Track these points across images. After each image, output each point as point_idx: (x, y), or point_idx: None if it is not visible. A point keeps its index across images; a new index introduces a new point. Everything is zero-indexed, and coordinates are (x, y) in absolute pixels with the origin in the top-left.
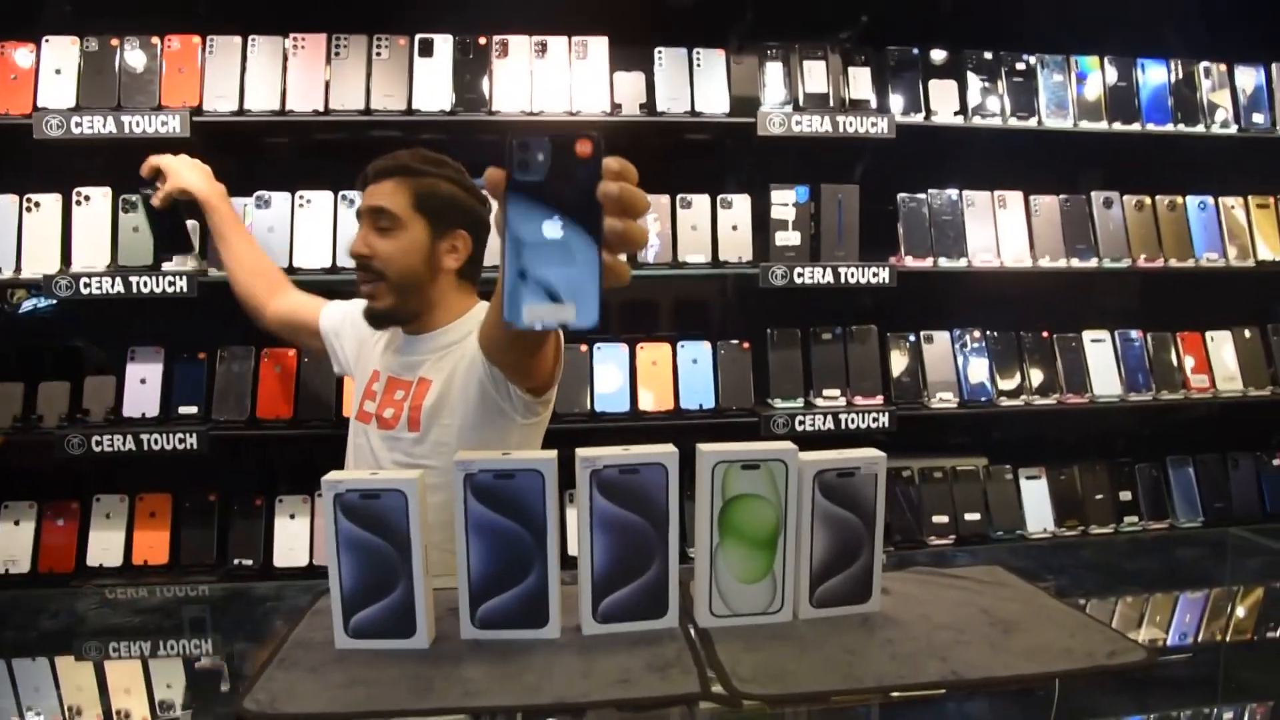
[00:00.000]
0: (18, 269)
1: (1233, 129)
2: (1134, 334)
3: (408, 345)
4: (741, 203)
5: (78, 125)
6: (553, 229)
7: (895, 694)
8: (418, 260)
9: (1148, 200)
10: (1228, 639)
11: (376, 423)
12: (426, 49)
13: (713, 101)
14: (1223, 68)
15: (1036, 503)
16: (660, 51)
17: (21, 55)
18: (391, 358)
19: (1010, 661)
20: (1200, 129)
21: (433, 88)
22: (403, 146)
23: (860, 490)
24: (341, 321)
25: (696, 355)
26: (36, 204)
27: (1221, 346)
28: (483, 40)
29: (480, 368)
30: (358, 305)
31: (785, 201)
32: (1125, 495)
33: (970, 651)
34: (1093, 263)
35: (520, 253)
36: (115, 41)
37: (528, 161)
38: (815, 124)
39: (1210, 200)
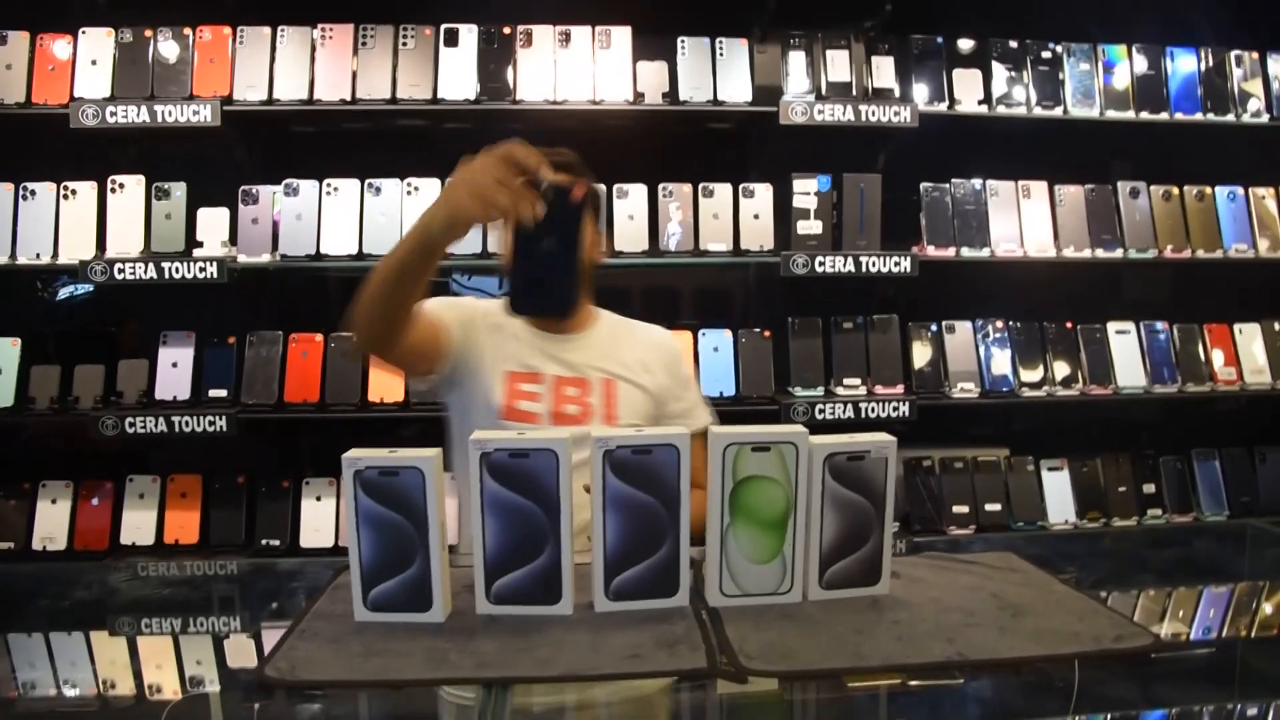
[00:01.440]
0: (55, 254)
1: (1265, 118)
2: (1160, 325)
3: (561, 344)
4: (763, 191)
5: (112, 115)
6: (549, 243)
7: (902, 673)
8: (590, 252)
9: (1175, 190)
10: (1237, 629)
11: (551, 419)
12: (452, 39)
13: (735, 91)
14: (1255, 56)
15: (1058, 494)
16: (683, 41)
17: (59, 47)
18: (540, 358)
19: (1017, 644)
20: (1231, 118)
21: (458, 77)
22: (429, 135)
23: (870, 473)
24: (470, 314)
25: (718, 343)
26: (73, 191)
27: (1250, 339)
28: (507, 30)
29: (660, 387)
30: (474, 306)
31: (807, 190)
32: (1149, 488)
33: (978, 634)
34: (1118, 253)
35: (525, 261)
36: (149, 33)
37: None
38: (838, 113)
39: (1240, 191)
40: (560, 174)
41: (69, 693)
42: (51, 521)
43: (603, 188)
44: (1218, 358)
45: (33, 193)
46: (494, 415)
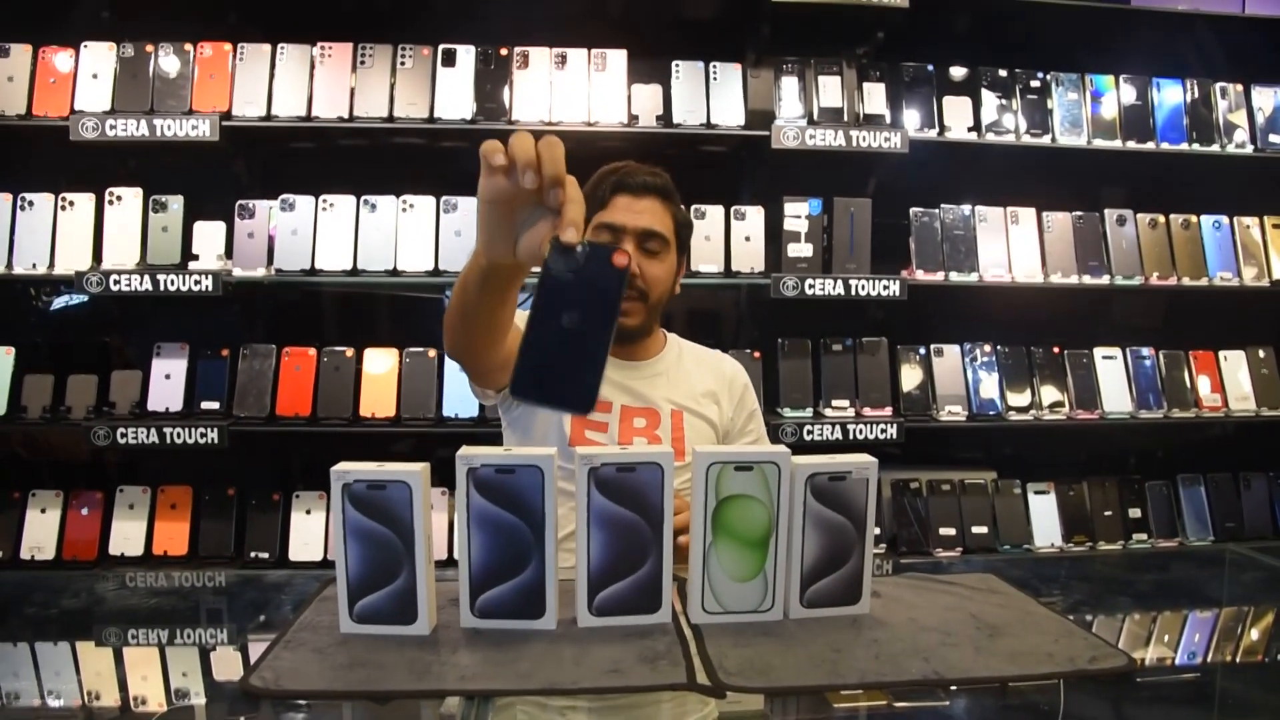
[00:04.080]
0: (51, 265)
1: (1249, 149)
2: (1146, 352)
3: (630, 372)
4: (755, 214)
5: (112, 128)
6: (571, 321)
7: (877, 690)
8: (671, 284)
9: (1161, 219)
10: (1213, 652)
11: None
12: (449, 59)
13: (728, 114)
14: (1239, 88)
15: (1045, 517)
16: (678, 65)
17: (61, 59)
18: (609, 387)
19: (992, 664)
20: (1216, 149)
21: (454, 97)
22: (425, 154)
23: (852, 494)
24: None
25: None
26: (71, 203)
27: (1235, 366)
28: (504, 51)
29: (725, 419)
30: None
31: (798, 214)
32: (1135, 512)
33: (954, 653)
34: (1105, 280)
35: (540, 337)
36: (150, 48)
37: (568, 257)
38: (829, 138)
39: (1225, 220)
40: (650, 195)
41: (53, 703)
42: (40, 531)
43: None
44: (1203, 384)
45: (31, 203)
46: (562, 442)
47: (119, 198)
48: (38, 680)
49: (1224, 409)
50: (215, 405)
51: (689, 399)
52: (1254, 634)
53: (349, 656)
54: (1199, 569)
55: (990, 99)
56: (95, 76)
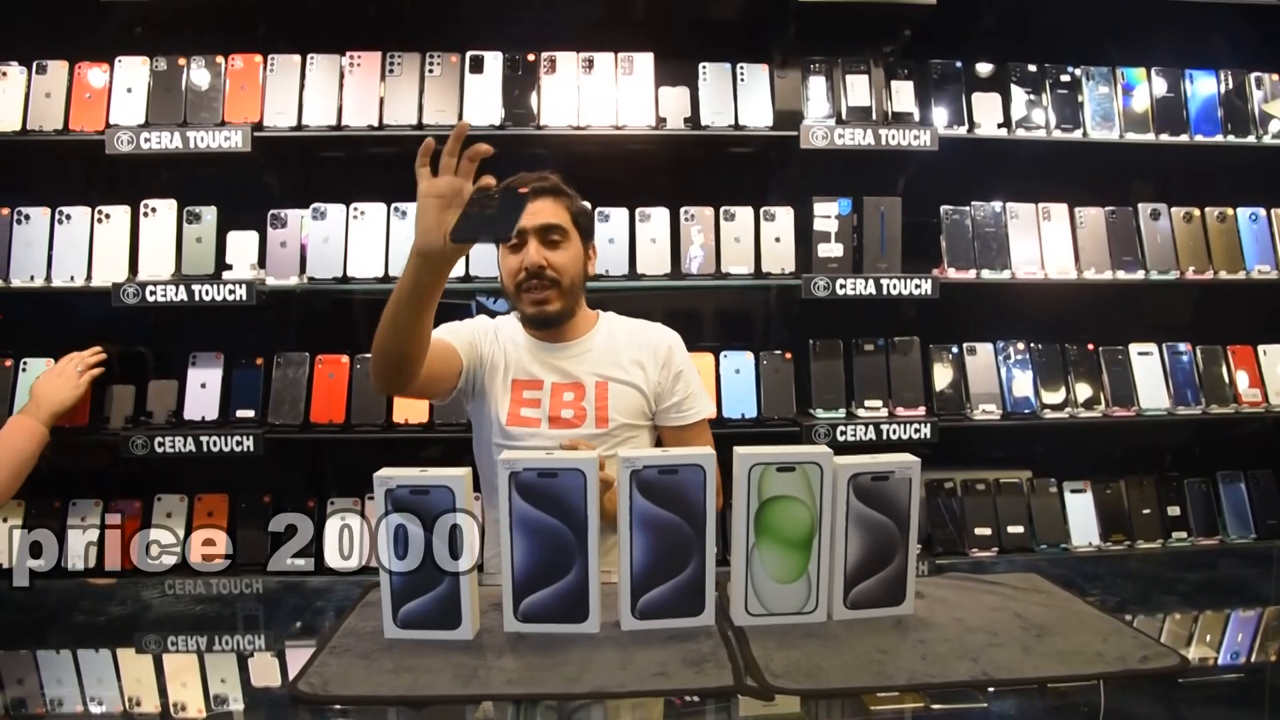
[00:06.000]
0: (89, 277)
1: None
2: (1182, 347)
3: (559, 352)
4: (784, 215)
5: (146, 141)
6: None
7: (927, 693)
8: (580, 268)
9: (1196, 212)
10: (1266, 652)
11: (549, 424)
12: (477, 65)
13: (756, 115)
14: (1275, 78)
15: (1081, 516)
16: (704, 66)
17: (95, 75)
18: (541, 367)
19: (1041, 664)
20: (1251, 140)
21: (483, 103)
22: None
23: (894, 494)
24: (474, 334)
25: (739, 365)
26: (107, 215)
27: (1275, 360)
28: (531, 57)
29: (652, 383)
30: (481, 324)
31: (828, 214)
32: (1174, 510)
33: (1002, 654)
34: (1139, 275)
35: (472, 213)
36: (182, 61)
37: (485, 199)
38: (858, 137)
39: (1262, 212)
40: (542, 196)
41: (95, 710)
42: (81, 539)
43: (590, 206)
44: (1242, 379)
45: (68, 217)
46: (502, 423)
47: (154, 210)
48: (80, 687)
49: (1264, 404)
50: (250, 413)
51: (614, 369)
52: None
53: (394, 662)
54: (1245, 566)
55: (1020, 94)
56: (129, 91)
